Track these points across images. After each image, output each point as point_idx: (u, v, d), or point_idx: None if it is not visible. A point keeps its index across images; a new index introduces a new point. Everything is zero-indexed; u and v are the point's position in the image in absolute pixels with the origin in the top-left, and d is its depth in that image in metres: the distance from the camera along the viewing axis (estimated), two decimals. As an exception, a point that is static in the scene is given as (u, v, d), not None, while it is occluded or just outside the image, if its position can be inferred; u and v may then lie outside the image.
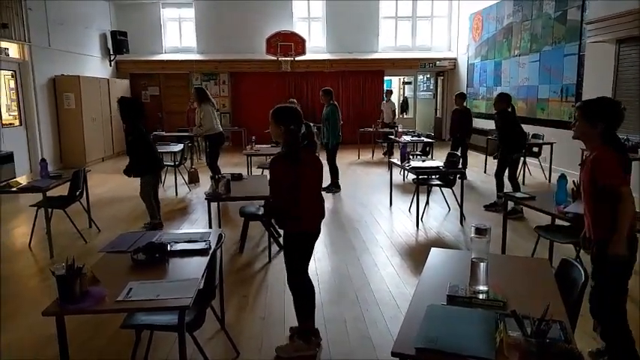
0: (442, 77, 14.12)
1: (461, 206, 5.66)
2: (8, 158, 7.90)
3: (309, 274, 2.99)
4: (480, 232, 2.10)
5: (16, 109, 9.10)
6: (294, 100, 11.54)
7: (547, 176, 8.15)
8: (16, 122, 9.09)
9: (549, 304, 1.67)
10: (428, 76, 14.69)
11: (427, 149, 8.46)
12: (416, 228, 5.53)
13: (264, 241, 4.96)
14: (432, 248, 2.73)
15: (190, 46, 13.62)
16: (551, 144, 8.08)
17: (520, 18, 9.95)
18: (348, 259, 4.51)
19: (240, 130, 12.58)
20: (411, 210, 6.17)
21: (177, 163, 7.91)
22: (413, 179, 6.47)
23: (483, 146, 9.58)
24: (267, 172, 6.96)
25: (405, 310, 3.30)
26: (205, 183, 7.47)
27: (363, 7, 13.38)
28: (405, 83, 15.77)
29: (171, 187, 7.63)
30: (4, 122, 8.59)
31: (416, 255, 4.63)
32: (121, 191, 7.46)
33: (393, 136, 9.35)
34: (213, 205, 5.11)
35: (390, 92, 11.83)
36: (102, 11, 12.39)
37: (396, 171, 7.60)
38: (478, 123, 11.55)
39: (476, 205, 6.38)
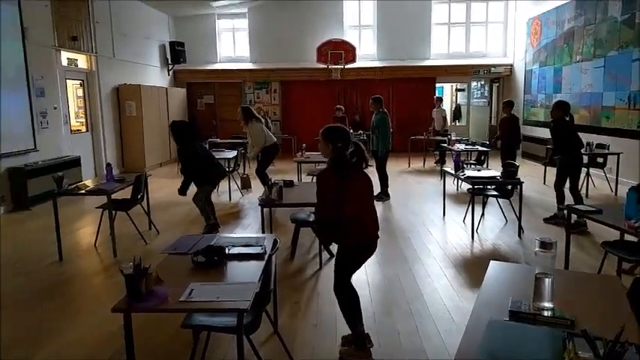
0: (497, 84, 13.72)
1: (519, 218, 5.44)
2: (76, 162, 8.38)
3: (360, 283, 2.98)
4: (545, 246, 2.02)
5: (83, 116, 9.67)
6: (342, 107, 11.62)
7: (613, 188, 7.70)
8: (83, 129, 9.65)
9: (624, 325, 1.57)
10: (482, 82, 14.32)
11: (482, 158, 8.22)
12: (471, 239, 5.38)
13: (314, 248, 4.98)
14: (491, 261, 2.64)
15: (244, 55, 13.99)
16: (618, 154, 7.63)
17: (582, 22, 9.51)
18: (399, 269, 4.44)
19: (290, 138, 12.74)
20: (465, 221, 6.01)
21: (230, 169, 8.12)
22: (468, 189, 6.29)
23: (542, 156, 9.20)
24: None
25: (460, 324, 3.25)
26: (257, 189, 7.61)
27: (414, 14, 13.27)
28: (458, 90, 15.45)
29: (225, 192, 7.82)
30: (72, 128, 9.14)
31: (471, 267, 4.50)
32: (178, 196, 7.66)
33: (445, 144, 9.16)
34: (266, 210, 5.18)
35: (439, 99, 11.61)
36: (161, 23, 12.98)
37: (449, 180, 7.44)
38: (536, 131, 11.16)
39: (534, 217, 6.13)
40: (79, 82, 9.48)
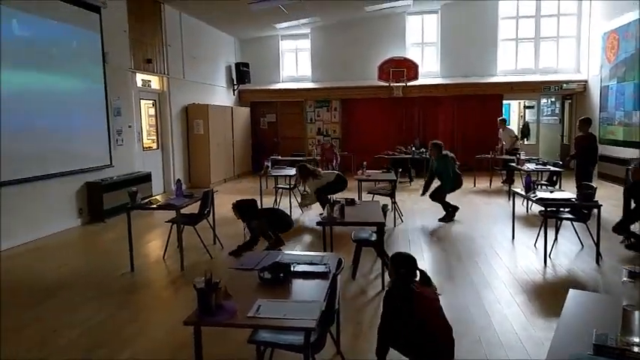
0: (569, 101, 13.04)
1: (597, 244, 5.06)
2: (147, 178, 8.83)
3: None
4: (634, 275, 1.86)
5: (155, 134, 10.22)
6: (402, 148, 11.60)
7: None
8: (154, 146, 10.18)
9: None
10: (553, 99, 13.67)
11: (554, 179, 7.79)
12: (543, 265, 5.06)
13: (376, 269, 4.90)
14: (570, 290, 2.47)
15: (305, 75, 14.28)
16: None
17: (666, 34, 8.88)
18: (467, 294, 4.25)
19: (350, 156, 12.76)
20: (537, 245, 5.68)
21: (292, 186, 8.24)
22: (540, 211, 5.96)
23: (621, 177, 8.58)
24: (377, 198, 6.94)
25: (535, 356, 3.06)
26: (317, 205, 7.61)
27: (480, 30, 13.00)
28: (526, 107, 14.85)
29: (286, 209, 7.87)
30: (144, 146, 9.67)
31: (544, 295, 4.23)
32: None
33: (514, 164, 8.77)
34: (326, 228, 5.17)
35: (503, 121, 11.05)
36: (228, 45, 13.55)
37: (517, 201, 7.09)
38: (614, 151, 10.46)
39: (613, 243, 5.67)
40: (151, 102, 10.05)
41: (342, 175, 7.14)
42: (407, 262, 2.86)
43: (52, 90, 6.83)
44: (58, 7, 6.87)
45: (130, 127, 8.84)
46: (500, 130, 10.82)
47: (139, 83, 9.39)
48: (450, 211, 7.14)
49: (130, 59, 8.82)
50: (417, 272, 2.84)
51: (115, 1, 8.24)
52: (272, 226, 5.52)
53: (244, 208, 5.53)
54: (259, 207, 5.88)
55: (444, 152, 7.26)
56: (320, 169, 7.37)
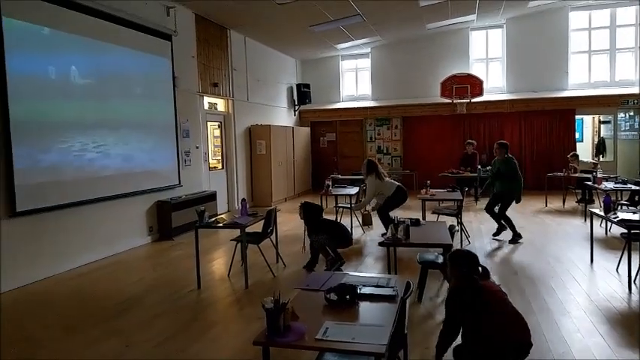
0: (650, 115, 12.12)
1: (691, 270, 4.61)
2: (212, 197, 9.12)
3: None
4: None
5: (220, 154, 10.58)
6: (473, 142, 11.19)
7: None
8: (219, 166, 10.53)
9: None
10: (631, 113, 12.75)
11: (636, 198, 7.20)
12: (628, 291, 4.65)
13: (443, 292, 4.71)
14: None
15: (365, 94, 14.32)
16: None
17: None
18: (543, 321, 3.98)
19: (412, 174, 12.55)
20: (619, 270, 5.25)
21: (352, 205, 8.18)
22: (622, 234, 5.52)
23: None
24: (442, 218, 6.72)
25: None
26: (378, 225, 7.50)
27: (549, 43, 12.48)
28: (602, 122, 13.96)
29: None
30: (210, 166, 10.03)
31: (631, 324, 3.88)
32: (302, 231, 7.93)
33: (590, 182, 8.21)
34: (391, 249, 5.06)
35: (575, 157, 10.29)
36: (290, 68, 13.89)
37: (595, 222, 6.62)
38: None
39: None
40: (217, 123, 10.43)
41: (403, 187, 7.07)
42: (468, 259, 2.82)
43: (128, 114, 7.27)
44: (135, 37, 7.36)
45: (197, 147, 9.21)
46: (575, 166, 10.07)
47: (206, 106, 9.79)
48: (513, 229, 6.79)
49: (198, 83, 9.24)
50: (479, 269, 2.80)
51: (185, 29, 8.71)
52: (333, 241, 5.52)
53: (310, 211, 5.68)
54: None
55: (509, 155, 7.00)
56: (386, 173, 7.29)
